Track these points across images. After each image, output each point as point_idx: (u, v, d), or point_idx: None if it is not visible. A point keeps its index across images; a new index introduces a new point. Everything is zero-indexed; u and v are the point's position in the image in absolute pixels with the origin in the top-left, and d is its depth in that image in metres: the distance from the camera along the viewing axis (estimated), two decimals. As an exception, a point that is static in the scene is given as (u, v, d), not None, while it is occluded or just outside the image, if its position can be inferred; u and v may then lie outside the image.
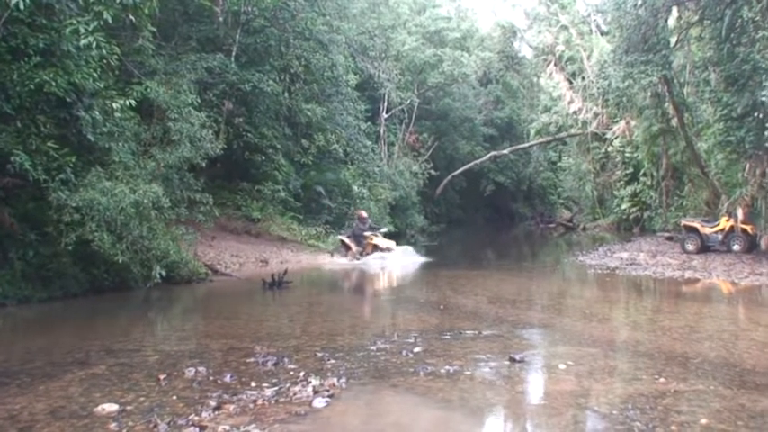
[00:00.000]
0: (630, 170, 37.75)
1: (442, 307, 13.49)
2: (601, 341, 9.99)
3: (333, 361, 8.14)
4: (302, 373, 7.45)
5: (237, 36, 24.18)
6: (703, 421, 5.82)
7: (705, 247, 22.92)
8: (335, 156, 31.09)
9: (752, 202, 21.48)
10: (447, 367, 7.75)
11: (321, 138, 29.61)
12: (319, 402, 6.42)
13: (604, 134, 39.61)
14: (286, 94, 26.99)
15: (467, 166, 49.34)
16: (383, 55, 38.16)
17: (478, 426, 6.11)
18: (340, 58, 30.29)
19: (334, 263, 22.93)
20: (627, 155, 37.69)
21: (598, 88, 32.28)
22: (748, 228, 21.99)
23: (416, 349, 8.75)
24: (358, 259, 23.31)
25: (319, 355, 8.49)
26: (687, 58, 26.58)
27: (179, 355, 8.66)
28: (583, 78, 40.92)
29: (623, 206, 38.23)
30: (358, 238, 24.10)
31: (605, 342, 10.02)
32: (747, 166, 21.20)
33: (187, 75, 19.33)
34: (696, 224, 23.54)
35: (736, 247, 22.15)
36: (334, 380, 7.17)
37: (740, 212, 22.04)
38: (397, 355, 8.46)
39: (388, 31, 39.46)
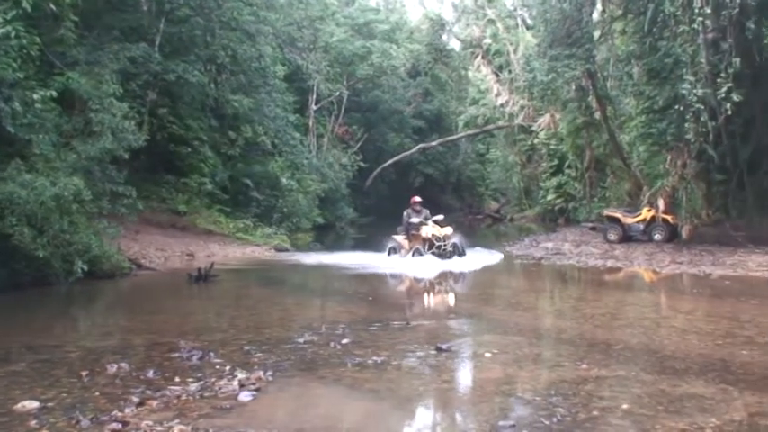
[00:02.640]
0: (556, 162, 38.30)
1: (370, 298, 13.54)
2: (526, 329, 10.13)
3: (259, 354, 8.07)
4: (228, 368, 7.36)
5: (162, 26, 23.68)
6: (624, 406, 5.93)
7: (627, 237, 23.40)
8: (263, 148, 30.85)
9: (673, 193, 21.94)
10: (374, 358, 7.74)
11: (248, 129, 29.39)
12: (245, 396, 6.35)
13: (530, 126, 40.05)
14: (212, 85, 26.62)
15: (396, 158, 49.44)
16: (311, 46, 38.05)
17: (407, 415, 6.12)
18: (267, 48, 30.03)
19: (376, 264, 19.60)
20: (552, 147, 38.23)
21: (524, 81, 32.65)
22: (669, 218, 22.50)
23: (344, 341, 8.73)
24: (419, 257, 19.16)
25: (246, 348, 8.40)
26: (610, 52, 27.02)
27: (101, 351, 8.48)
28: (509, 71, 41.31)
29: (549, 197, 38.80)
30: (410, 232, 20.31)
31: (530, 330, 10.16)
32: (668, 157, 21.63)
33: (110, 65, 18.87)
34: (618, 214, 24.02)
35: (657, 237, 22.66)
36: (261, 373, 7.09)
37: (661, 203, 22.55)
38: (324, 347, 8.43)
39: (316, 22, 39.25)
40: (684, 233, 21.59)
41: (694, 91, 19.00)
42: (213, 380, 6.87)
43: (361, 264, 19.61)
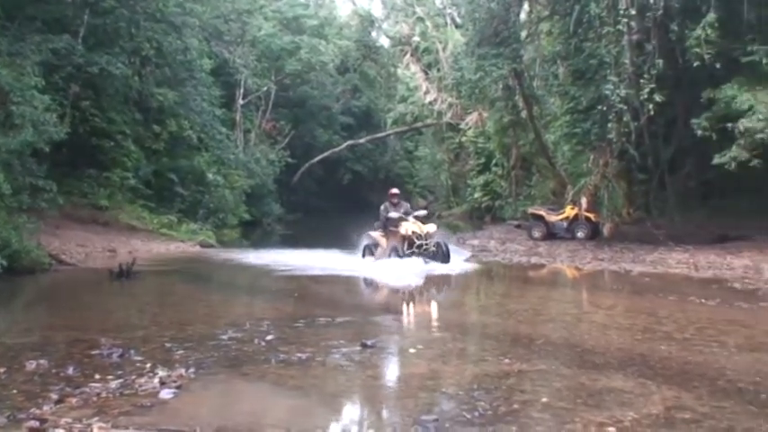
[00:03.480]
0: (483, 160, 38.54)
1: (296, 295, 13.44)
2: (451, 325, 10.20)
3: (182, 351, 7.92)
4: (149, 365, 7.20)
5: (86, 17, 23.11)
6: (544, 400, 5.99)
7: (551, 235, 23.78)
8: (189, 142, 30.42)
9: (595, 192, 22.34)
10: (299, 355, 7.68)
11: (174, 123, 28.95)
12: (166, 394, 6.21)
13: (458, 124, 40.25)
14: (136, 78, 26.23)
15: (324, 155, 49.35)
16: (239, 40, 37.72)
17: (331, 411, 6.07)
18: (194, 41, 29.67)
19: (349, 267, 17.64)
20: (480, 145, 38.45)
21: (452, 80, 32.82)
22: (592, 216, 22.92)
23: (269, 337, 8.64)
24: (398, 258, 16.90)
25: (168, 345, 8.24)
26: (537, 52, 27.35)
27: (20, 347, 8.21)
28: (438, 70, 41.49)
29: (476, 195, 39.00)
30: (388, 228, 17.98)
31: (455, 326, 10.23)
32: (591, 156, 22.00)
33: (32, 56, 18.32)
34: (542, 212, 24.41)
35: (580, 234, 23.07)
36: (183, 370, 6.95)
37: (584, 201, 22.95)
38: (248, 344, 8.32)
39: (243, 15, 38.89)
40: (606, 231, 22.01)
41: (617, 91, 19.42)
42: (134, 377, 6.71)
43: (327, 267, 17.46)
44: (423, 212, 18.61)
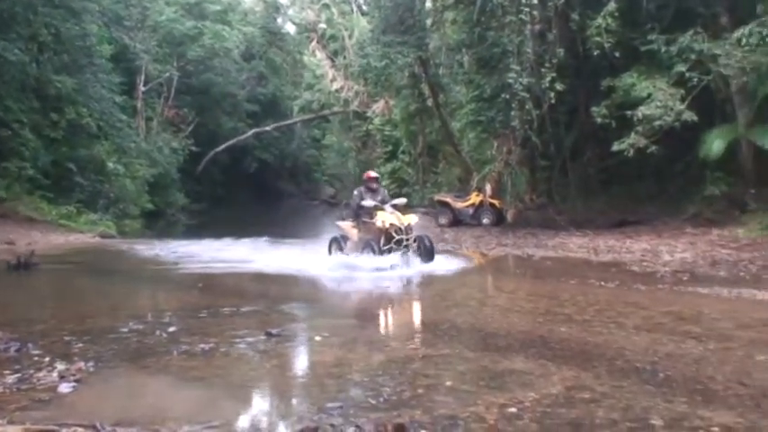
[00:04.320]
0: (390, 148, 38.72)
1: (200, 285, 13.21)
2: (357, 313, 10.19)
3: (81, 345, 7.66)
4: (48, 359, 6.94)
5: (-22, 2, 22.31)
6: (448, 383, 6.03)
7: (457, 221, 24.09)
8: (89, 131, 29.51)
9: (499, 178, 22.70)
10: (202, 345, 7.53)
11: (72, 111, 28.03)
12: (65, 388, 6.01)
13: (365, 112, 40.31)
14: (34, 65, 25.37)
15: (229, 143, 48.68)
16: (139, 25, 36.89)
17: (234, 402, 5.97)
18: (93, 27, 28.92)
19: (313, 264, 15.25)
20: (387, 133, 38.61)
21: (358, 67, 32.79)
22: (496, 202, 23.31)
23: (171, 329, 8.45)
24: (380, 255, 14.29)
25: (67, 338, 7.97)
26: (442, 41, 27.48)
27: None
28: (344, 57, 41.43)
29: (383, 183, 39.14)
30: (361, 218, 15.46)
31: (361, 313, 10.23)
32: (496, 144, 22.33)
33: None
34: (448, 199, 24.70)
35: (485, 221, 23.44)
36: (82, 364, 6.73)
37: (489, 188, 23.32)
38: (149, 336, 8.12)
39: (144, 0, 38.00)
40: (510, 217, 22.41)
41: (520, 80, 19.74)
42: (32, 372, 6.46)
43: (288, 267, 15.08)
44: (402, 201, 15.88)
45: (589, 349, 7.28)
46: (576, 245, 18.07)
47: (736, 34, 16.61)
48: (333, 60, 42.76)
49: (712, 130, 18.40)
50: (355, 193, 15.87)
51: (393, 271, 13.83)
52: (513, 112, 20.32)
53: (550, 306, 10.06)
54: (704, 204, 18.58)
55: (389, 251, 14.33)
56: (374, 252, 14.23)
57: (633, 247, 17.01)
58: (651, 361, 6.70)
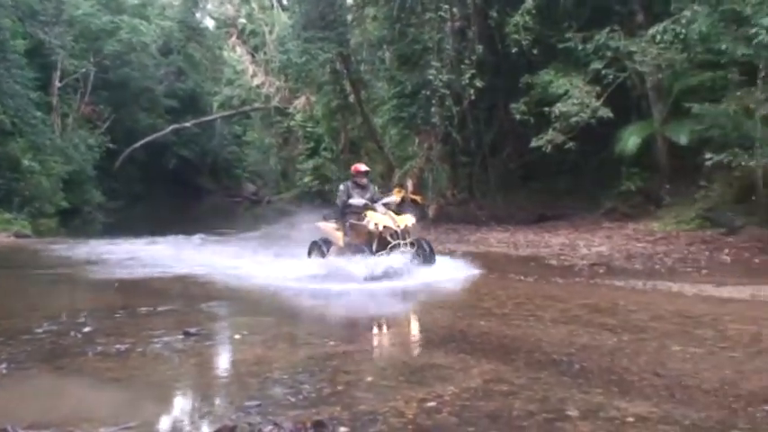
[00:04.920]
0: (312, 144, 38.54)
1: (116, 284, 12.95)
2: (276, 310, 10.12)
3: (-6, 347, 7.46)
4: (-41, 362, 6.75)
5: None
6: (368, 379, 6.05)
7: (380, 217, 24.03)
8: (2, 127, 28.59)
9: (421, 174, 22.78)
10: (118, 346, 7.39)
11: (-16, 107, 27.21)
12: (-23, 390, 5.86)
13: (287, 109, 40.01)
14: (-57, 59, 24.49)
15: (147, 139, 47.55)
16: (55, 20, 35.86)
17: (151, 402, 5.87)
18: (6, 21, 28.18)
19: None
20: (308, 129, 38.42)
21: (279, 63, 32.53)
22: (418, 198, 23.37)
23: (86, 329, 8.29)
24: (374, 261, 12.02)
25: (-22, 341, 7.75)
26: (363, 37, 27.45)
27: None
28: (265, 53, 41.01)
29: (306, 179, 38.95)
30: (347, 219, 13.15)
31: (281, 311, 10.17)
32: (417, 140, 22.43)
33: None
34: (370, 195, 24.62)
35: (408, 217, 23.45)
36: (-6, 366, 6.57)
37: (410, 184, 23.37)
38: (64, 337, 7.95)
39: (60, -7, 37.07)
40: (431, 213, 22.50)
41: (440, 77, 19.89)
42: (-57, 375, 6.28)
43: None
44: (395, 199, 13.94)
45: (508, 342, 7.37)
46: (496, 240, 18.29)
47: (651, 31, 16.94)
48: (253, 56, 42.28)
49: (628, 126, 18.79)
50: (341, 188, 13.38)
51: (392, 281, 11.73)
52: (433, 109, 20.46)
53: (470, 300, 10.18)
54: (620, 199, 18.98)
55: (382, 257, 12.04)
56: (365, 258, 11.97)
57: (552, 242, 17.26)
58: (568, 353, 6.82)
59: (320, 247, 13.75)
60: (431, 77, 19.90)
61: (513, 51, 19.19)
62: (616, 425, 4.85)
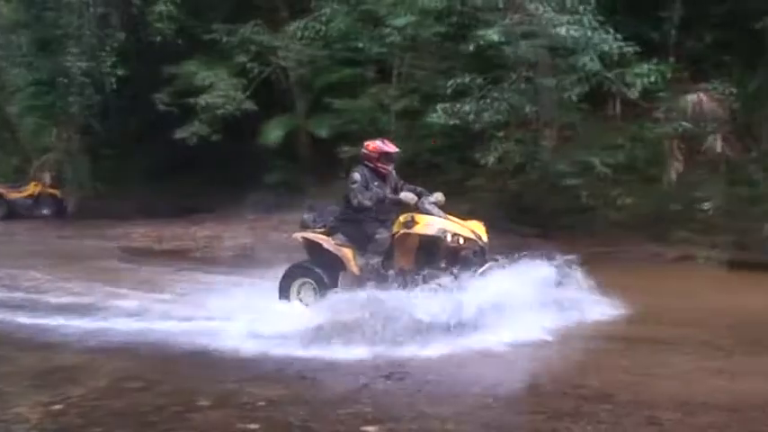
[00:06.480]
0: None
1: None
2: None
3: None
4: None
5: None
6: None
7: (14, 213, 22.51)
8: None
9: (59, 167, 21.74)
10: None
11: None
12: None
13: None
14: None
15: None
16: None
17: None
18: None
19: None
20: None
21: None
22: (57, 192, 22.24)
23: None
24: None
25: None
26: (-1, 20, 25.58)
27: None
28: None
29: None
30: (366, 225, 7.87)
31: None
32: (55, 130, 21.41)
33: None
34: (2, 190, 23.00)
35: (45, 212, 22.24)
36: None
37: (48, 177, 22.21)
38: None
39: None
40: (71, 207, 21.57)
41: (79, 64, 19.05)
42: None
43: None
44: (440, 197, 8.03)
45: (134, 339, 7.18)
46: (139, 234, 17.85)
47: (292, 27, 17.46)
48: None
49: (272, 119, 19.21)
50: (356, 177, 7.92)
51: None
52: (72, 98, 19.55)
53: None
54: (266, 191, 19.34)
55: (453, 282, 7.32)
56: (439, 285, 7.30)
57: (198, 234, 17.23)
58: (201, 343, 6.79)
59: (316, 275, 8.17)
60: (68, 64, 18.98)
61: (158, 40, 18.78)
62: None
